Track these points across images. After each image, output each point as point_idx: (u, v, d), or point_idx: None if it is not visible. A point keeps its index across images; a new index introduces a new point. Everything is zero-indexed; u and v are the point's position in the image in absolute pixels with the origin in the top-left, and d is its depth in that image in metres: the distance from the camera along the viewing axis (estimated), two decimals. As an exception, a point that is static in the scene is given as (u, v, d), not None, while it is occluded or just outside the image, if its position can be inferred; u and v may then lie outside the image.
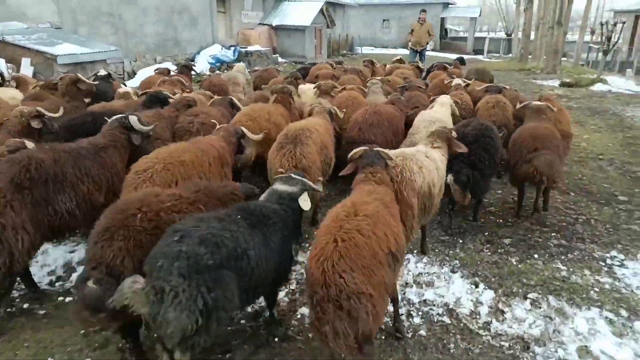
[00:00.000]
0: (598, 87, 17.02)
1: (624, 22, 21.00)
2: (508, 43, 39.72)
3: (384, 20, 43.26)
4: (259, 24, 24.14)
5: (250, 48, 21.63)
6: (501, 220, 5.63)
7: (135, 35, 16.32)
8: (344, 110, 6.22)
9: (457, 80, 8.18)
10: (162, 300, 2.44)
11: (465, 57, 16.50)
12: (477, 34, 46.20)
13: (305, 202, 3.44)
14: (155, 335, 2.82)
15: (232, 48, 20.75)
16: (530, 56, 24.93)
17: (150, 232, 2.91)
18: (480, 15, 44.08)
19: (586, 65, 25.93)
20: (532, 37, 25.62)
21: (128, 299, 2.41)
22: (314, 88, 7.52)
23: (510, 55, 36.99)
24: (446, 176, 4.42)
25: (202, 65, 18.48)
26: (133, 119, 4.27)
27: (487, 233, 5.31)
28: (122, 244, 2.80)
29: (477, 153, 4.83)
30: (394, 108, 6.23)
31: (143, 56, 16.74)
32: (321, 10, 24.83)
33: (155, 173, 3.74)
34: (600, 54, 18.65)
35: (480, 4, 52.31)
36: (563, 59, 23.96)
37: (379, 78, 8.38)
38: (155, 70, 10.17)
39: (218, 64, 19.27)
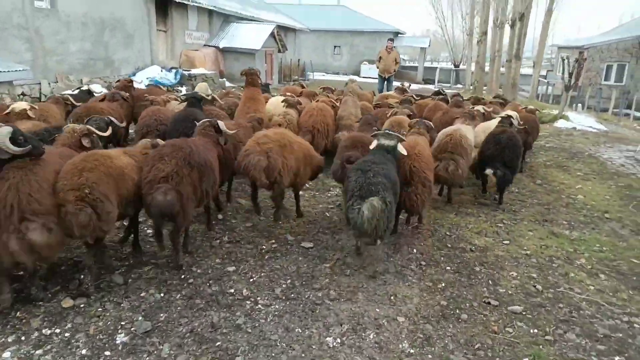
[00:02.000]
0: (562, 123, 16.40)
1: (585, 59, 20.91)
2: (456, 74, 40.02)
3: (335, 47, 42.62)
4: (205, 45, 22.24)
5: (194, 71, 19.66)
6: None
7: (56, 53, 14.00)
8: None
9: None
10: (387, 207, 4.26)
11: (417, 86, 16.43)
12: (425, 64, 46.41)
13: (403, 150, 5.06)
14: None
15: (174, 70, 18.72)
16: (485, 87, 24.50)
17: None
18: (429, 46, 44.38)
19: (535, 99, 25.92)
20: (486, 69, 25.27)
21: (375, 213, 4.15)
22: (281, 102, 8.44)
23: (459, 86, 37.13)
24: (486, 170, 6.75)
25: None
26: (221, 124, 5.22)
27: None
28: None
29: (509, 156, 6.65)
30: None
31: (66, 77, 14.41)
32: (272, 34, 23.32)
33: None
34: (562, 90, 18.17)
35: (428, 35, 52.91)
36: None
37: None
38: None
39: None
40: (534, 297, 4.52)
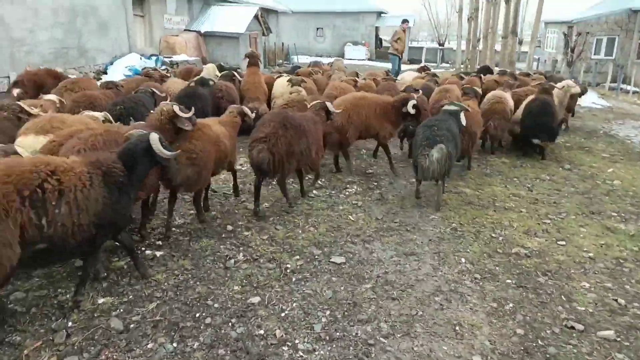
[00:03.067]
0: (565, 101, 15.78)
1: (587, 33, 20.23)
2: (442, 53, 39.20)
3: (317, 29, 41.31)
4: (185, 30, 20.96)
5: (175, 57, 18.46)
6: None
7: (25, 42, 12.75)
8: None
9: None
10: (449, 152, 5.35)
11: (404, 66, 16.81)
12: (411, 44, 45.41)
13: (464, 119, 6.12)
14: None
15: (154, 57, 17.50)
16: (477, 66, 23.67)
17: None
18: (414, 25, 43.33)
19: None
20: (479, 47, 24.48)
21: (441, 156, 5.26)
22: (286, 81, 8.96)
23: (446, 64, 36.34)
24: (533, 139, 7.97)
25: (116, 78, 15.13)
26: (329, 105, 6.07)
27: None
28: None
29: (546, 123, 7.80)
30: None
31: (38, 68, 13.16)
32: (256, 17, 22.11)
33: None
34: (564, 66, 17.50)
35: (413, 15, 51.81)
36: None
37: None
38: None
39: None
40: (620, 315, 3.77)
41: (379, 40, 42.72)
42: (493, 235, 5.17)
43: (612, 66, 21.11)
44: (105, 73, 15.51)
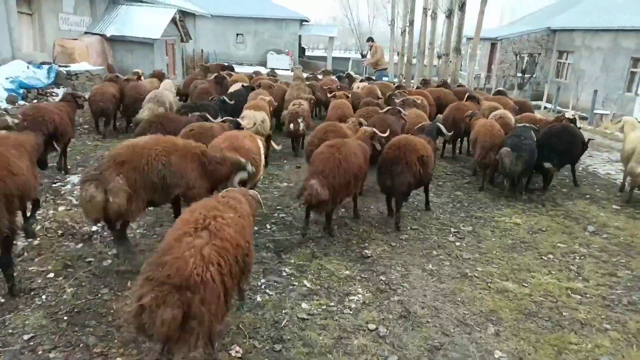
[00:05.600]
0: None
1: (539, 54, 19.78)
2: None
3: (237, 35, 38.64)
4: (87, 33, 17.60)
5: (74, 66, 15.20)
6: None
7: None
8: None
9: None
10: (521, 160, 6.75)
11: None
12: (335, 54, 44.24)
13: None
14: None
15: (46, 67, 14.16)
16: (412, 82, 22.69)
17: None
18: (338, 35, 42.23)
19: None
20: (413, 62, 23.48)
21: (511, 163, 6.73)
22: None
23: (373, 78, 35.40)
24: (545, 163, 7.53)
25: (-7, 93, 11.77)
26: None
27: None
28: None
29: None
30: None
31: None
32: (174, 20, 19.25)
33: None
34: (515, 88, 16.76)
35: (335, 24, 50.78)
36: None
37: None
38: None
39: (22, 91, 12.66)
40: None
41: (302, 50, 41.05)
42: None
43: (546, 86, 21.01)
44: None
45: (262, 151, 5.66)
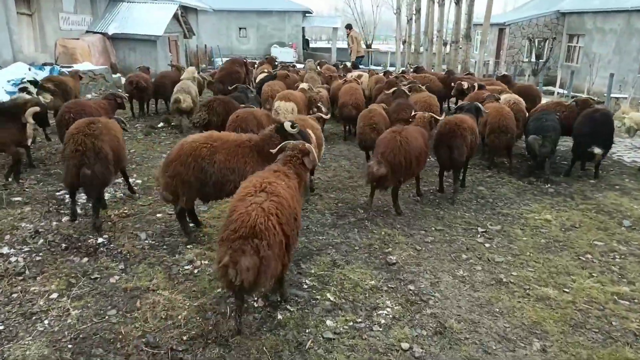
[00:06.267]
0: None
1: (554, 38, 19.19)
2: (371, 55, 37.65)
3: (240, 29, 38.16)
4: (88, 32, 17.28)
5: (77, 66, 14.85)
6: None
7: None
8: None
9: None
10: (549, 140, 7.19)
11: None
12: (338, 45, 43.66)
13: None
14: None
15: (48, 67, 13.84)
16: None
17: None
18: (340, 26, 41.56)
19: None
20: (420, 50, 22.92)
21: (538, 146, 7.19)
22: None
23: (376, 67, 34.84)
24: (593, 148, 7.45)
25: (-5, 97, 11.45)
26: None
27: None
28: None
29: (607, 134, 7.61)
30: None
31: None
32: (176, 16, 18.87)
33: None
34: (530, 75, 16.24)
35: (337, 14, 50.07)
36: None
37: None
38: None
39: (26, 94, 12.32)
40: None
41: (306, 42, 40.50)
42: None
43: (559, 70, 20.40)
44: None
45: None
